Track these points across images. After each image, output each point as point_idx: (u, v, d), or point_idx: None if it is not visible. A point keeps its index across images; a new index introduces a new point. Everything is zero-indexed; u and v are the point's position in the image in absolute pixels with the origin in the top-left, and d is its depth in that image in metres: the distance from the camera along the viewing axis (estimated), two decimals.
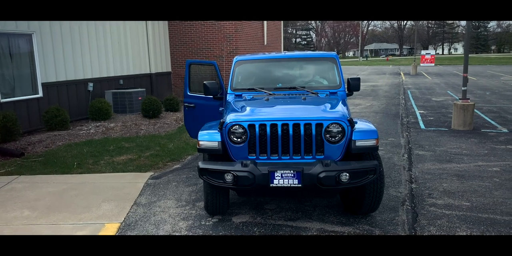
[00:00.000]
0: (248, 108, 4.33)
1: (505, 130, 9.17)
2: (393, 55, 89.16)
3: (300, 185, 3.81)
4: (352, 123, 4.00)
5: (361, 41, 63.33)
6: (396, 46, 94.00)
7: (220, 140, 4.08)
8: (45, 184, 5.53)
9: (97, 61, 10.54)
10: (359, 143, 3.97)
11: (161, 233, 4.10)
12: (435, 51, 74.82)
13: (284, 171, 3.81)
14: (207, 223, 4.31)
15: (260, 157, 4.02)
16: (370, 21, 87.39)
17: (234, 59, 5.52)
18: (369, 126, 4.20)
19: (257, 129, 3.98)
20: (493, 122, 10.15)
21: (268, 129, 3.96)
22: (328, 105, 4.36)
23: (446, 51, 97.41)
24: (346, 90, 5.22)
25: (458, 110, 9.44)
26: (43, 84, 8.96)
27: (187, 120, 5.94)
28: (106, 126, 8.90)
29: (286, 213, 4.52)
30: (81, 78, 10.01)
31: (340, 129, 3.97)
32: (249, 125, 4.00)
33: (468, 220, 4.30)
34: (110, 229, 4.16)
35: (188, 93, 5.69)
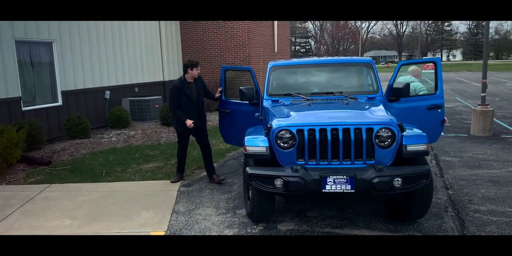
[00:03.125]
0: (293, 113, 4.29)
1: None
2: (392, 62, 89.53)
3: (353, 191, 3.76)
4: (402, 128, 3.96)
5: (360, 49, 63.64)
6: (395, 53, 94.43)
7: (268, 145, 4.04)
8: (79, 193, 5.46)
9: (114, 69, 10.51)
10: (410, 148, 3.93)
11: None
12: None
13: (337, 177, 3.76)
14: (254, 231, 4.24)
15: (309, 162, 3.97)
16: (369, 28, 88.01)
17: (269, 65, 5.50)
18: (418, 131, 4.16)
19: (305, 134, 3.93)
20: (511, 128, 10.13)
21: (317, 134, 3.92)
22: (374, 110, 4.33)
23: (444, 58, 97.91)
24: (389, 95, 5.16)
25: (477, 116, 9.42)
26: (63, 92, 8.91)
27: (222, 126, 5.99)
28: (127, 134, 8.84)
29: (330, 221, 4.46)
30: (98, 86, 9.98)
31: (390, 133, 3.93)
32: (298, 130, 3.96)
33: (501, 226, 4.24)
34: None
35: (224, 99, 5.69)
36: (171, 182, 5.84)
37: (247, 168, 4.00)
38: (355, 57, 5.71)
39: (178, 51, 13.45)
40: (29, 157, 6.63)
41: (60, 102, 8.87)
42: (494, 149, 7.84)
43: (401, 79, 6.29)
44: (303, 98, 5.06)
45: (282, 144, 4.01)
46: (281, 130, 4.00)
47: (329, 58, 5.77)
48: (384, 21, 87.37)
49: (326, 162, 3.96)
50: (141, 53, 11.59)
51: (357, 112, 4.29)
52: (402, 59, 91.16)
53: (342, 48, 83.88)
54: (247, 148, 4.10)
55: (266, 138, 4.09)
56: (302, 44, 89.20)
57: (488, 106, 9.55)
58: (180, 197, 5.33)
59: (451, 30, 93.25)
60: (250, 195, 4.42)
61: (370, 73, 5.32)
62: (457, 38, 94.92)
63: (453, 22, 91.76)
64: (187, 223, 4.47)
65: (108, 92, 10.12)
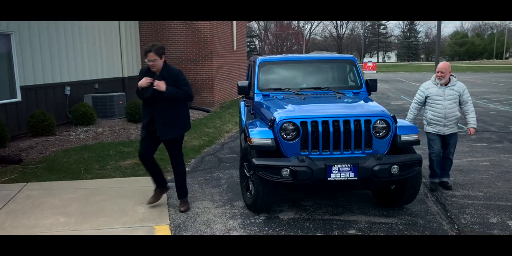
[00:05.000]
0: (293, 107, 4.45)
1: None
2: None
3: (356, 178, 3.99)
4: (395, 120, 4.26)
5: (305, 49, 65.30)
6: (335, 54, 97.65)
7: (272, 137, 4.16)
8: (62, 190, 5.23)
9: (74, 64, 10.05)
10: (404, 138, 4.24)
11: (216, 232, 4.08)
12: (371, 59, 78.97)
13: (341, 165, 3.97)
14: (257, 221, 4.34)
15: (312, 153, 4.15)
16: (311, 30, 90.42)
17: (258, 61, 5.61)
18: (408, 122, 4.48)
19: (309, 126, 4.11)
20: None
21: (320, 125, 4.10)
22: (367, 103, 4.61)
23: (380, 59, 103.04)
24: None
25: None
26: (22, 88, 8.40)
27: None
28: (95, 131, 8.51)
29: (327, 209, 4.67)
30: (58, 82, 9.49)
31: (385, 125, 4.21)
32: (301, 122, 4.12)
33: (491, 208, 4.70)
34: (163, 230, 4.07)
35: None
36: (148, 203, 4.65)
37: (254, 159, 4.09)
38: (339, 54, 6.00)
39: (137, 46, 13.11)
40: None
41: (19, 98, 8.35)
42: None
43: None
44: (293, 92, 5.24)
45: (286, 136, 4.15)
46: (285, 122, 4.14)
47: (315, 54, 6.00)
48: (325, 23, 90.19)
49: (328, 152, 4.16)
50: (101, 48, 11.17)
51: (353, 105, 4.54)
52: None
53: (286, 48, 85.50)
54: (253, 140, 4.20)
55: (270, 130, 4.21)
56: (247, 44, 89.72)
57: None
58: (170, 192, 5.26)
59: (386, 33, 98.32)
60: (251, 186, 4.52)
61: (353, 69, 5.62)
62: (392, 40, 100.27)
63: (388, 25, 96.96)
64: (188, 216, 4.48)
65: (68, 88, 9.67)
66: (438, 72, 5.17)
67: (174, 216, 4.48)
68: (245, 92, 5.43)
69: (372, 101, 4.86)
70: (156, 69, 4.31)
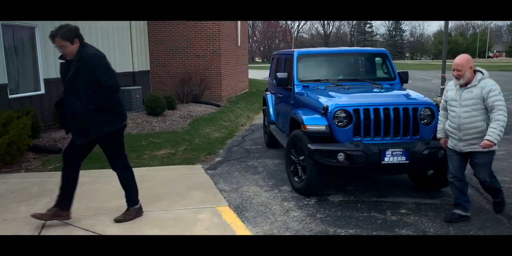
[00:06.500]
0: (343, 96, 4.72)
1: None
2: None
3: (407, 162, 4.29)
4: (439, 108, 4.57)
5: (293, 47, 65.85)
6: (368, 48, 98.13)
7: (326, 123, 4.43)
8: (110, 178, 5.36)
9: None
10: None
11: (276, 212, 4.32)
12: None
13: (394, 149, 4.26)
14: (310, 202, 4.61)
15: (364, 139, 4.42)
16: (299, 28, 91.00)
17: (295, 53, 5.85)
18: None
19: (361, 113, 4.39)
20: None
21: (371, 113, 4.39)
22: (409, 93, 4.92)
23: None
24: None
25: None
26: (45, 80, 8.48)
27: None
28: None
29: (371, 192, 4.96)
30: None
31: (430, 112, 4.52)
32: (354, 110, 4.40)
33: (510, 191, 5.05)
34: (226, 211, 4.30)
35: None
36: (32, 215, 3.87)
37: (309, 145, 4.35)
38: (372, 48, 6.30)
39: (146, 41, 13.19)
40: (38, 145, 6.32)
41: (42, 91, 8.43)
42: None
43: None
44: (332, 83, 5.51)
45: (338, 123, 4.42)
46: (338, 110, 4.42)
47: (349, 48, 6.28)
48: (313, 21, 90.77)
49: (379, 138, 4.44)
50: (114, 42, 11.26)
51: (399, 95, 4.84)
52: None
53: (274, 46, 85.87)
54: (307, 126, 4.46)
55: (323, 117, 4.47)
56: None
57: None
58: (215, 179, 5.51)
59: (372, 31, 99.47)
60: (299, 171, 4.78)
61: (386, 62, 5.92)
62: (377, 39, 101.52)
63: (374, 24, 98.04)
64: (243, 199, 4.71)
65: None
66: (453, 70, 3.81)
67: (229, 199, 4.71)
68: (285, 83, 5.68)
69: (409, 91, 5.16)
70: (69, 57, 3.72)
